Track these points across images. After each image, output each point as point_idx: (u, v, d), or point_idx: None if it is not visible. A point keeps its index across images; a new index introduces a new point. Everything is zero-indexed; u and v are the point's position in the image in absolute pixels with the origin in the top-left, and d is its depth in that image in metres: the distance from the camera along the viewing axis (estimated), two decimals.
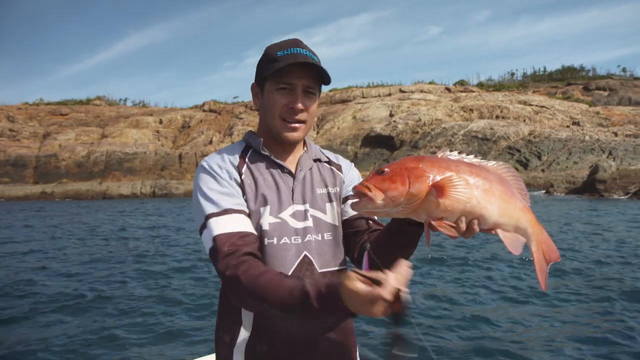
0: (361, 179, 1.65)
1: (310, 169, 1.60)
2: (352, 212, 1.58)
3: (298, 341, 1.45)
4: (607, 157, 46.08)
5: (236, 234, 1.35)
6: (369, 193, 1.19)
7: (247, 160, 1.54)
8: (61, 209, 28.92)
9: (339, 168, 1.69)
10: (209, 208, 1.40)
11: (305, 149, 1.65)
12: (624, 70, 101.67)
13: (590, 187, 31.00)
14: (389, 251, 1.40)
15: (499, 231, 1.23)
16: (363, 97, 72.84)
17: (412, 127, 60.91)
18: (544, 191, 35.38)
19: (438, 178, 1.18)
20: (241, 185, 1.47)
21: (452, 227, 1.18)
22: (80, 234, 15.40)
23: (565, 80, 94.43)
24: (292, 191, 1.53)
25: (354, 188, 1.24)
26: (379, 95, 73.76)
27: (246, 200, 1.46)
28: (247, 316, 1.46)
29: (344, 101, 71.64)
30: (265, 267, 1.32)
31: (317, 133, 64.18)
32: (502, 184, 1.25)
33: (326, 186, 1.60)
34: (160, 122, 70.79)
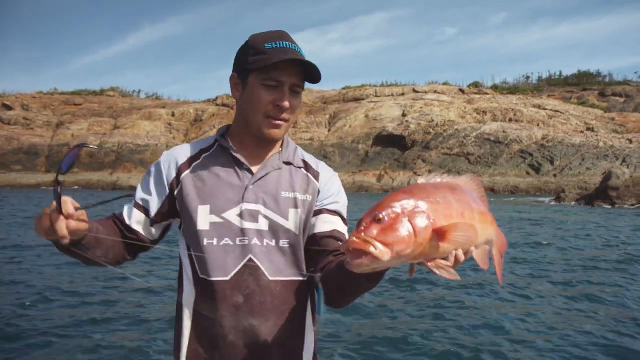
0: (342, 194, 1.58)
1: (280, 169, 1.51)
2: (322, 229, 1.48)
3: (238, 347, 1.41)
4: (621, 164, 45.52)
5: (123, 223, 1.49)
6: (374, 252, 1.00)
7: (203, 156, 1.50)
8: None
9: (317, 176, 1.56)
10: (137, 192, 1.52)
11: (281, 148, 1.56)
12: None
13: (603, 194, 30.58)
14: (350, 282, 1.31)
15: (474, 251, 1.15)
16: (376, 96, 72.57)
17: (424, 127, 60.58)
18: (554, 198, 34.92)
19: (435, 217, 1.06)
20: (175, 183, 1.48)
21: (450, 267, 1.09)
22: None
23: (581, 85, 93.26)
24: (246, 189, 1.45)
25: (350, 244, 1.03)
26: (392, 95, 73.40)
27: (184, 198, 1.45)
28: (187, 320, 1.45)
29: (357, 99, 71.44)
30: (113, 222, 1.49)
31: (329, 131, 64.14)
32: (479, 204, 1.20)
33: (294, 191, 1.49)
34: (173, 115, 71.07)
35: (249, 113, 1.45)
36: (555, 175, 49.15)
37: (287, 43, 1.41)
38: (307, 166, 1.57)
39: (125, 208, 1.50)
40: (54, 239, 1.21)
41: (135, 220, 1.48)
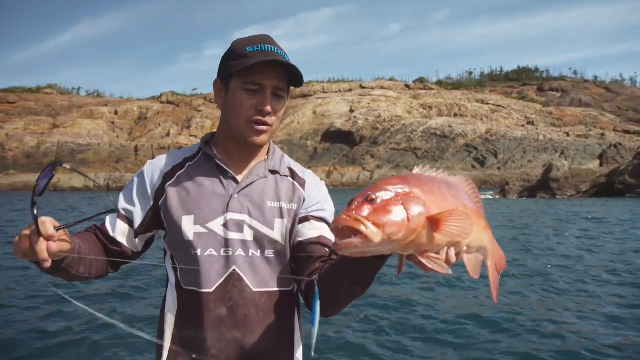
0: (329, 201, 1.55)
1: (265, 178, 1.47)
2: (308, 235, 1.44)
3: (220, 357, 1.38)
4: (560, 157, 47.65)
5: (106, 235, 1.44)
6: (364, 230, 0.93)
7: (187, 166, 1.47)
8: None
9: (303, 184, 1.52)
10: (120, 203, 1.47)
11: (266, 156, 1.52)
12: (575, 72, 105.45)
13: (544, 185, 31.88)
14: (341, 286, 1.27)
15: (465, 256, 1.09)
16: (324, 92, 72.85)
17: (372, 123, 61.29)
18: (499, 191, 35.96)
19: (429, 206, 0.99)
20: (160, 193, 1.44)
21: (440, 260, 1.02)
22: None
23: (521, 80, 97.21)
24: (230, 198, 1.41)
25: (340, 221, 0.96)
26: (340, 91, 73.91)
27: (168, 208, 1.42)
28: (169, 332, 1.42)
29: (304, 96, 71.44)
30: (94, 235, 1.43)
31: None
32: (474, 206, 1.14)
33: (279, 200, 1.46)
34: (116, 112, 68.82)
35: (231, 118, 1.43)
36: (499, 168, 50.87)
37: (270, 46, 1.39)
38: (293, 174, 1.54)
39: (108, 219, 1.46)
40: (35, 261, 1.15)
41: (120, 231, 1.44)
